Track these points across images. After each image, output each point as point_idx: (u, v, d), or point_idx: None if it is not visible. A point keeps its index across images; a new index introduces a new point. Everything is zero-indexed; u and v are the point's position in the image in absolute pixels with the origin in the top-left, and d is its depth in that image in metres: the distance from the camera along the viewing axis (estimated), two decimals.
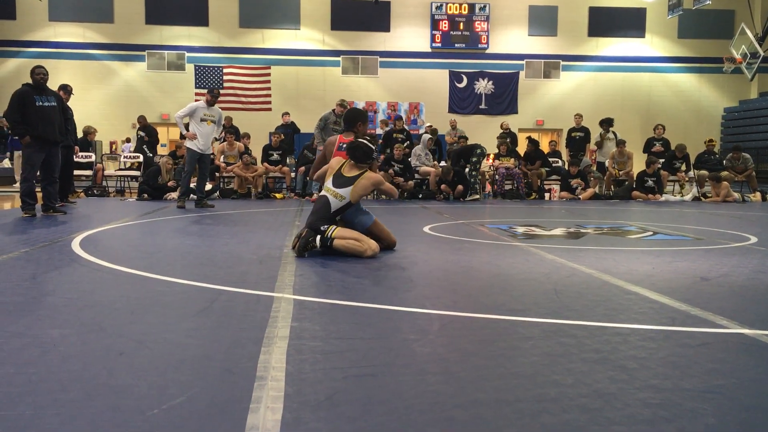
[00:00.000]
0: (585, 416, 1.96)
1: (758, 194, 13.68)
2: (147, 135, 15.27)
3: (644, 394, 2.14)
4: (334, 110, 12.02)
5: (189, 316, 3.15)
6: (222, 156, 13.62)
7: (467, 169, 13.32)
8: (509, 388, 2.21)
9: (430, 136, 14.01)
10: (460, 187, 12.85)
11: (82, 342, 2.67)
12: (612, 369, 2.40)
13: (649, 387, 2.21)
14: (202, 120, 9.93)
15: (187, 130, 9.96)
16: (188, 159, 10.14)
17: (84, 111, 18.04)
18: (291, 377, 2.24)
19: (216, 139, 14.60)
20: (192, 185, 11.02)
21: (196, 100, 10.30)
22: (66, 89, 10.05)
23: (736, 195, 13.28)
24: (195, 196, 10.35)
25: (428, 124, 15.82)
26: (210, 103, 10.07)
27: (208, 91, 10.27)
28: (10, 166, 15.89)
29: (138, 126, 15.75)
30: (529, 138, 14.91)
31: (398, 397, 2.10)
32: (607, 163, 14.66)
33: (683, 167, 14.35)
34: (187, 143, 10.01)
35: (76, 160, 11.86)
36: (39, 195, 8.54)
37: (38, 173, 8.42)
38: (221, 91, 21.86)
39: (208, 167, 10.48)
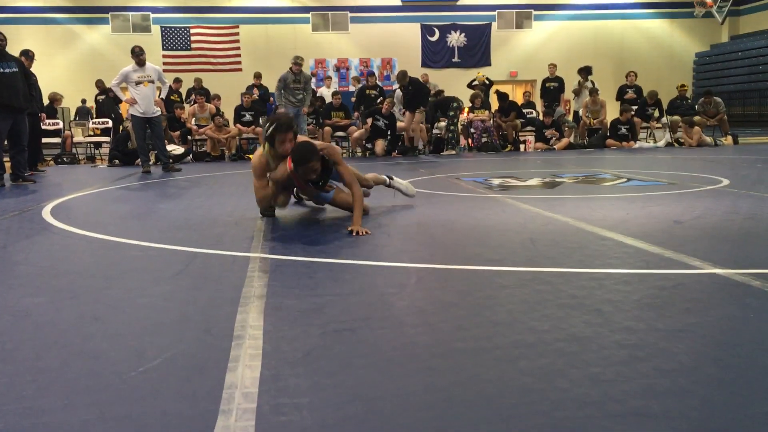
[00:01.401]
0: (561, 360, 1.98)
1: (729, 138, 13.80)
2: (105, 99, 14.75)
3: (619, 336, 2.17)
4: (291, 68, 11.79)
5: (164, 279, 3.12)
6: (193, 119, 13.42)
7: (444, 123, 13.26)
8: (487, 336, 2.22)
9: (401, 93, 13.76)
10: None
11: (56, 309, 2.64)
12: (587, 313, 2.42)
13: (624, 329, 2.24)
14: (137, 83, 9.57)
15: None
16: (134, 125, 9.87)
17: (49, 77, 17.56)
18: (269, 335, 2.24)
19: (175, 100, 14.29)
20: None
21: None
22: (27, 54, 9.76)
23: (708, 139, 13.39)
24: (161, 162, 10.10)
25: (400, 70, 15.13)
26: (139, 63, 9.64)
27: (131, 52, 9.74)
28: None
29: (97, 91, 15.14)
30: (497, 92, 14.82)
31: (377, 350, 2.10)
32: (581, 112, 14.67)
33: (656, 113, 14.41)
34: (130, 110, 9.72)
35: (43, 127, 11.60)
36: (7, 164, 8.36)
37: (5, 142, 8.24)
38: (189, 53, 21.60)
39: (161, 129, 10.14)
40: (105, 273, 3.30)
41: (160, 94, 9.90)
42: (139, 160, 10.17)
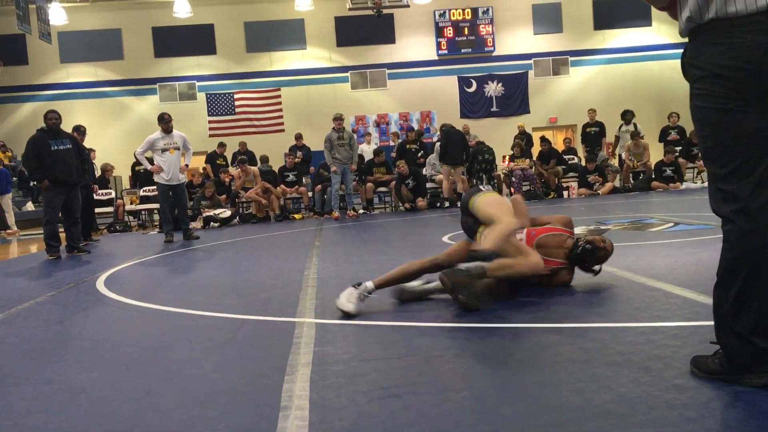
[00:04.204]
0: (610, 423, 1.95)
1: None
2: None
3: (669, 395, 2.13)
4: (333, 127, 12.10)
5: (213, 349, 3.18)
6: (239, 181, 13.74)
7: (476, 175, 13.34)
8: (533, 398, 2.21)
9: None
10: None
11: (110, 384, 2.71)
12: (636, 371, 2.38)
13: (674, 387, 2.20)
14: (163, 150, 9.59)
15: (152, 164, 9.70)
16: (159, 193, 9.89)
17: (101, 148, 18.25)
18: (315, 405, 2.26)
19: (220, 164, 14.62)
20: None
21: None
22: (79, 130, 10.18)
23: None
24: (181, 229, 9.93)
25: (442, 124, 15.40)
26: (166, 131, 9.68)
27: (158, 120, 9.79)
28: (33, 209, 16.14)
29: (134, 161, 15.45)
30: (542, 138, 14.89)
31: (423, 417, 2.10)
32: (623, 156, 14.56)
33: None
34: (155, 177, 9.76)
35: (96, 198, 12.01)
36: (62, 236, 8.67)
37: (60, 215, 8.56)
38: (233, 117, 22.24)
39: (185, 196, 10.09)
40: (157, 344, 3.39)
41: (185, 161, 9.98)
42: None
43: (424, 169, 13.74)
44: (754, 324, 2.10)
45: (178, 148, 9.74)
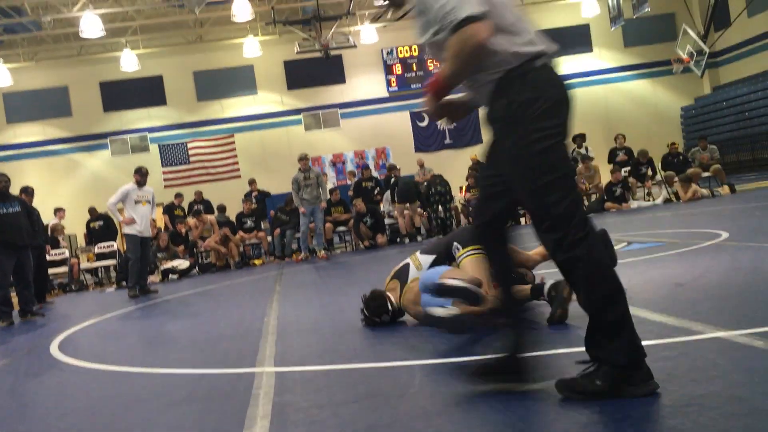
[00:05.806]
0: None
1: (726, 187, 13.84)
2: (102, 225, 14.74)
3: (624, 421, 2.14)
4: (299, 168, 12.04)
5: (171, 407, 3.11)
6: (197, 231, 13.59)
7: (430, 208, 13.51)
8: None
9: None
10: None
11: None
12: (590, 396, 2.39)
13: (630, 408, 2.21)
14: (136, 202, 9.47)
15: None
16: (130, 246, 9.63)
17: (54, 206, 17.86)
18: None
19: (178, 215, 14.52)
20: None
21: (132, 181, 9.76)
22: (27, 191, 9.96)
23: (705, 191, 13.44)
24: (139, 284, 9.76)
25: (391, 163, 15.98)
26: (140, 183, 9.61)
27: (135, 172, 9.70)
28: None
29: (90, 217, 15.19)
30: None
31: None
32: (576, 179, 14.85)
33: (649, 172, 14.54)
34: (126, 229, 9.54)
35: (49, 259, 11.75)
36: (16, 301, 8.43)
37: (11, 279, 8.34)
38: (188, 166, 22.08)
39: (150, 250, 9.98)
40: (112, 408, 3.29)
41: (151, 216, 9.93)
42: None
43: (381, 205, 13.80)
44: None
45: (149, 202, 9.69)
